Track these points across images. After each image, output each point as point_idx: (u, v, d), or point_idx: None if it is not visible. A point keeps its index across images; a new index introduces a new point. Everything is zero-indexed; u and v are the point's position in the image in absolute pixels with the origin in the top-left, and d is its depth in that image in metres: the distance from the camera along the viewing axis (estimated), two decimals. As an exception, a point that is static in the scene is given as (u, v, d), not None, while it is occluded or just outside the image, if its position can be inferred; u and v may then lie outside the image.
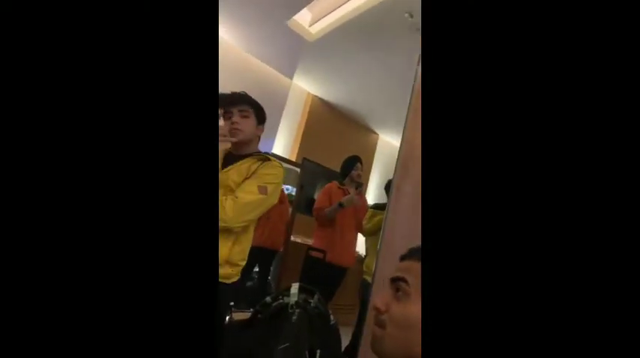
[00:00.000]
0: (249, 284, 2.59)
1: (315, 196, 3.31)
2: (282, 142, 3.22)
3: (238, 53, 2.84)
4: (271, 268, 2.65)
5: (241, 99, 0.98)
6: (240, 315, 1.60)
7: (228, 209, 0.83)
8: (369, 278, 1.72)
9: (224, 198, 0.86)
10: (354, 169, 1.93)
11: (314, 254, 1.86)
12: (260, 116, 1.02)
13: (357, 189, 1.89)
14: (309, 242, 2.65)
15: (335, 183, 1.95)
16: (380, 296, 0.41)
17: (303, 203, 3.13)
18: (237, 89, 1.03)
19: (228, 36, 2.69)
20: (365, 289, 1.72)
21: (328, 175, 3.22)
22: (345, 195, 1.85)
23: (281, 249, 2.59)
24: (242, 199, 0.85)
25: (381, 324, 0.39)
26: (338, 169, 2.07)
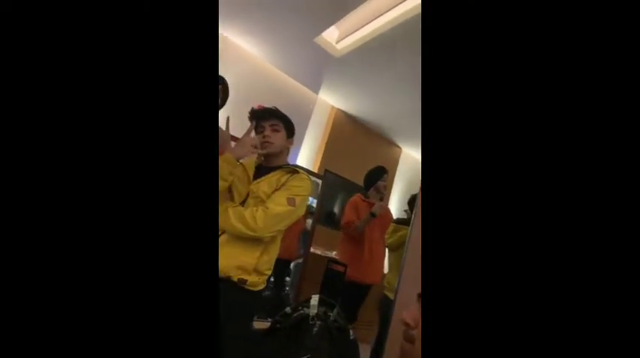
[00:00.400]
0: (266, 293, 2.61)
1: (336, 208, 3.32)
2: (305, 154, 3.28)
3: (267, 68, 2.96)
4: (287, 278, 2.66)
5: (272, 114, 1.03)
6: (260, 324, 1.62)
7: (259, 219, 0.86)
8: (390, 295, 1.69)
9: (254, 208, 0.89)
10: (381, 180, 1.90)
11: (335, 267, 1.86)
12: (290, 129, 1.06)
13: (381, 200, 1.88)
14: (329, 254, 2.65)
15: (359, 196, 1.92)
16: (409, 312, 0.42)
17: (324, 215, 3.14)
18: (266, 103, 1.08)
19: (258, 52, 2.81)
20: (386, 306, 1.69)
21: (349, 188, 3.22)
22: (371, 207, 1.83)
23: (294, 259, 2.61)
24: (272, 210, 0.88)
25: (410, 339, 0.40)
26: (359, 182, 2.06)
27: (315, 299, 1.48)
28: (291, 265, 2.84)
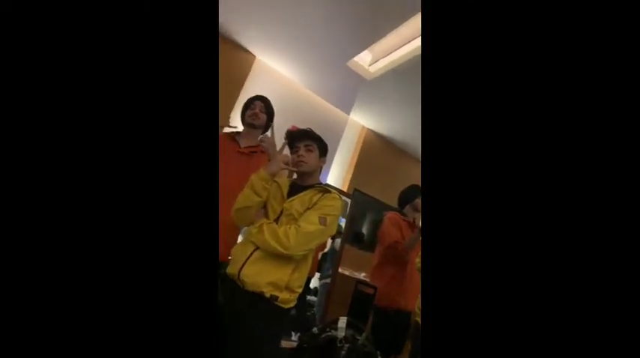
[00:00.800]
0: (292, 312, 2.60)
1: (364, 228, 3.27)
2: (335, 173, 3.31)
3: (301, 90, 3.09)
4: (307, 297, 2.64)
5: (307, 135, 1.08)
6: (286, 343, 1.60)
7: (292, 237, 0.89)
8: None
9: (287, 226, 0.92)
10: (418, 197, 1.80)
11: (364, 289, 1.81)
12: (322, 150, 1.09)
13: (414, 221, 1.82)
14: (357, 275, 2.60)
15: (397, 214, 1.81)
16: None
17: (352, 234, 3.11)
18: (299, 123, 1.13)
19: (293, 75, 2.95)
20: (418, 332, 1.61)
21: (378, 207, 3.17)
22: (411, 225, 1.74)
23: (313, 276, 2.58)
24: (304, 229, 0.90)
25: None
26: (388, 201, 2.00)
27: (342, 322, 1.45)
28: (318, 284, 2.81)
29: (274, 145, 1.07)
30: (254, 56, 2.83)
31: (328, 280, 2.64)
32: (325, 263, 2.90)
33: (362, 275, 2.57)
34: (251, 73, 2.83)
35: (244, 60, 2.79)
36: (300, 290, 0.98)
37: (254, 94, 1.40)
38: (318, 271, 2.86)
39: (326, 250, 2.93)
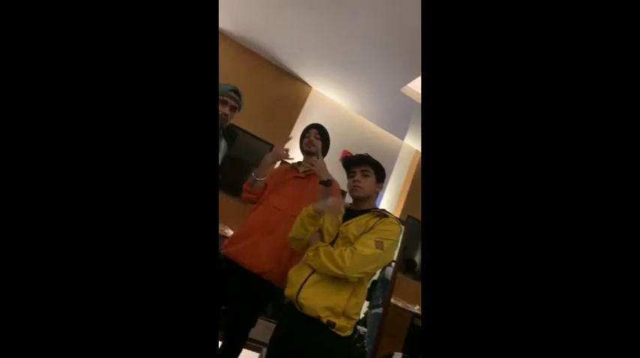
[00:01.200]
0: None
1: (417, 257, 3.09)
2: (388, 198, 3.25)
3: (356, 117, 3.17)
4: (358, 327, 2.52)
5: (364, 161, 1.09)
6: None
7: (347, 259, 0.89)
8: None
9: (343, 248, 0.92)
10: None
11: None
12: (379, 175, 1.10)
13: None
14: (412, 308, 2.44)
15: None
16: None
17: (405, 263, 2.96)
18: (354, 148, 1.16)
19: (348, 103, 3.06)
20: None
21: (434, 236, 2.99)
22: None
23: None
24: (360, 252, 0.90)
25: None
26: None
27: (397, 357, 1.36)
28: (368, 314, 2.69)
29: (325, 167, 1.11)
30: (310, 87, 3.01)
31: (379, 310, 2.52)
32: (375, 291, 2.78)
33: (416, 308, 2.41)
34: (308, 102, 3.00)
35: (301, 91, 2.98)
36: (357, 318, 0.95)
37: (310, 122, 1.47)
38: (368, 300, 2.75)
39: (375, 278, 2.82)
